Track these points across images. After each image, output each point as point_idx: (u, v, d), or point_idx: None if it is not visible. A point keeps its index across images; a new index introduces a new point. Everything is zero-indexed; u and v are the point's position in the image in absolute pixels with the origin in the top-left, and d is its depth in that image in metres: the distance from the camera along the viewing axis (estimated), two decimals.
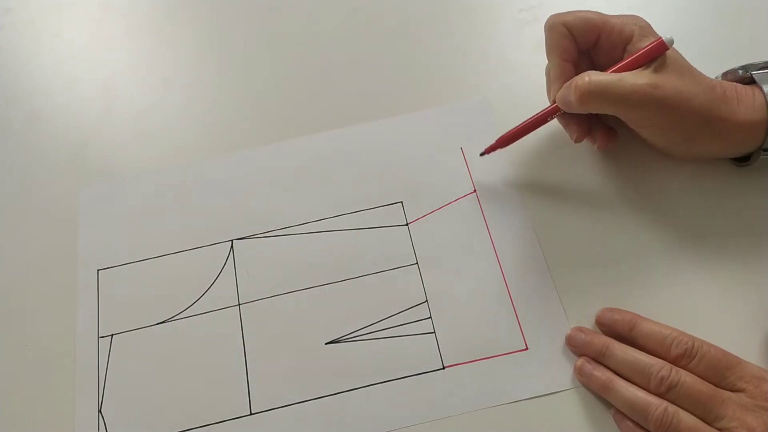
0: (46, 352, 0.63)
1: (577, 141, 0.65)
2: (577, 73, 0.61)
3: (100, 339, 0.63)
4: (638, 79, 0.58)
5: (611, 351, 0.57)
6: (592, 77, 0.59)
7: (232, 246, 0.66)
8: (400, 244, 0.65)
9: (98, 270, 0.66)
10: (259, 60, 0.78)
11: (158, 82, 0.77)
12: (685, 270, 0.62)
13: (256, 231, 0.67)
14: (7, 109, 0.77)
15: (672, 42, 0.59)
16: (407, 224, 0.66)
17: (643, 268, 0.63)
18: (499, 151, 0.66)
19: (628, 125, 0.63)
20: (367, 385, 0.60)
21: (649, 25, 0.61)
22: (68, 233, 0.68)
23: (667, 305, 0.60)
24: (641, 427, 0.54)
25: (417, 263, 0.65)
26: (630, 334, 0.58)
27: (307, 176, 0.70)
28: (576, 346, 0.59)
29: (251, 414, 0.59)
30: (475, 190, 0.67)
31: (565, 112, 0.63)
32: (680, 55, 0.60)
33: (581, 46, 0.63)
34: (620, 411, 0.56)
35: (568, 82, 0.61)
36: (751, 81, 0.61)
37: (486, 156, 0.66)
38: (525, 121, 0.64)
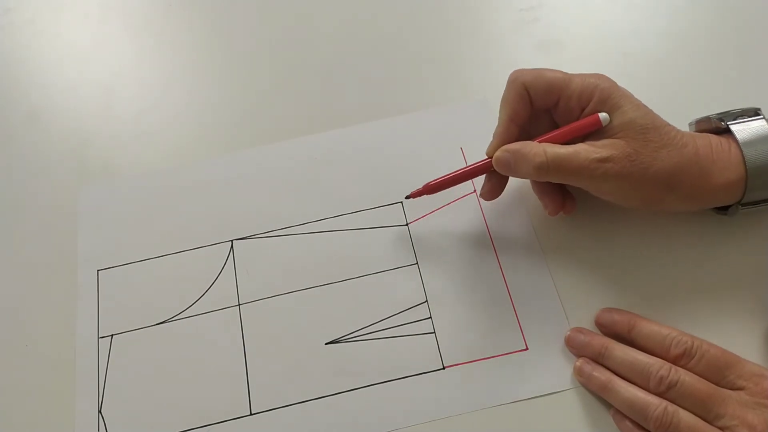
0: (46, 352, 0.63)
1: (551, 213, 0.63)
2: (520, 136, 0.61)
3: (100, 339, 0.63)
4: (592, 153, 0.57)
5: (610, 351, 0.57)
6: (547, 150, 0.57)
7: (232, 246, 0.67)
8: (400, 244, 0.66)
9: (98, 270, 0.66)
10: (259, 60, 0.78)
11: (158, 82, 0.78)
12: (684, 270, 0.62)
13: (256, 231, 0.67)
14: (7, 109, 0.77)
15: (607, 120, 0.58)
16: (407, 224, 0.66)
17: (642, 268, 0.63)
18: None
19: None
20: (367, 386, 0.60)
21: (613, 86, 0.59)
22: (68, 233, 0.68)
23: (666, 305, 0.60)
24: (641, 427, 0.54)
25: (417, 263, 0.65)
26: (629, 335, 0.58)
27: (307, 176, 0.70)
28: (575, 347, 0.59)
29: (251, 414, 0.59)
30: (475, 191, 0.67)
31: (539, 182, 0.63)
32: (649, 115, 0.58)
33: (540, 105, 0.61)
34: (620, 411, 0.56)
35: (513, 149, 0.59)
36: (725, 131, 0.60)
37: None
38: (455, 172, 0.63)
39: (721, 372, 0.54)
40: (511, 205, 0.66)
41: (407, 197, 0.64)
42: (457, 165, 0.65)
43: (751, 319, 0.60)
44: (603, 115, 0.58)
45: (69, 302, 0.65)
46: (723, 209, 0.62)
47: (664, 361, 0.55)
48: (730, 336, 0.57)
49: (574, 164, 0.57)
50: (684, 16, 0.74)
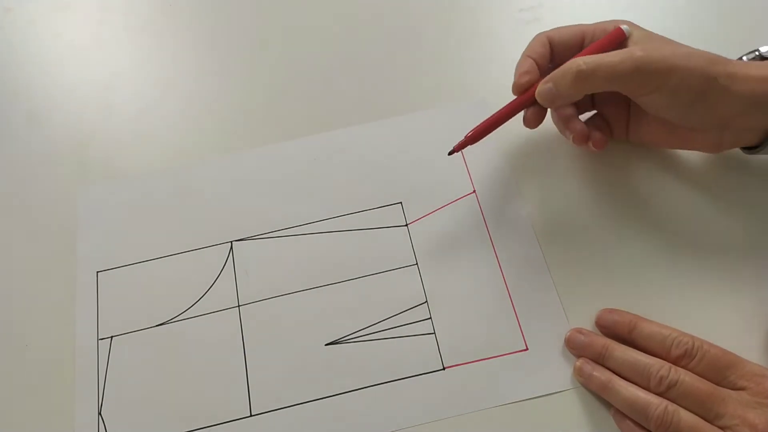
0: (45, 354, 0.63)
1: (577, 142, 0.64)
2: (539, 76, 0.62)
3: (99, 341, 0.63)
4: (631, 50, 0.57)
5: (611, 352, 0.57)
6: (584, 58, 0.57)
7: (231, 247, 0.66)
8: (399, 245, 0.66)
9: (97, 272, 0.66)
10: (259, 61, 0.78)
11: (158, 82, 0.77)
12: (685, 270, 0.62)
13: (256, 232, 0.67)
14: (7, 109, 0.77)
15: (629, 31, 0.60)
16: (407, 225, 0.66)
17: (643, 268, 0.63)
18: (499, 151, 0.67)
19: (636, 100, 0.61)
20: (368, 386, 0.60)
21: (632, 23, 0.62)
22: (67, 235, 0.68)
23: (667, 305, 0.60)
24: (641, 427, 0.54)
25: (417, 264, 0.65)
26: (630, 336, 0.58)
27: (306, 177, 0.70)
28: (575, 348, 0.59)
29: (251, 415, 0.59)
30: (474, 191, 0.67)
31: (557, 115, 0.63)
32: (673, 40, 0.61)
33: (563, 53, 0.63)
34: (620, 411, 0.56)
35: (551, 74, 0.59)
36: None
37: (485, 157, 0.66)
38: (494, 115, 0.63)
39: (721, 372, 0.54)
40: (511, 206, 0.66)
41: (450, 153, 0.63)
42: (457, 165, 0.65)
43: (751, 319, 0.60)
44: (625, 27, 0.59)
45: (68, 304, 0.65)
46: (751, 149, 0.63)
47: (664, 362, 0.55)
48: (731, 336, 0.57)
49: (615, 59, 0.56)
50: (684, 17, 0.74)
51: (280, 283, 0.65)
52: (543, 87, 0.60)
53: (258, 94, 0.76)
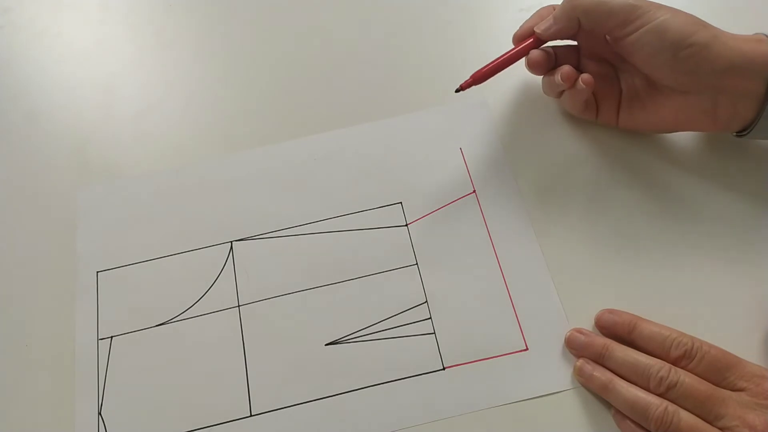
0: (45, 354, 0.63)
1: (567, 81, 0.64)
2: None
3: (99, 341, 0.63)
4: None
5: (611, 353, 0.57)
6: None
7: (231, 247, 0.67)
8: (399, 245, 0.66)
9: (98, 272, 0.66)
10: (258, 60, 0.78)
11: (158, 83, 0.77)
12: (685, 270, 0.62)
13: (256, 232, 0.67)
14: (6, 109, 0.77)
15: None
16: (407, 225, 0.66)
17: (643, 268, 0.63)
18: (499, 151, 0.67)
19: (624, 50, 0.62)
20: (368, 386, 0.60)
21: None
22: (67, 235, 0.68)
23: (666, 305, 0.60)
24: (641, 427, 0.54)
25: (417, 264, 0.65)
26: (630, 336, 0.58)
27: (306, 177, 0.70)
28: (575, 348, 0.59)
29: (251, 415, 0.59)
30: (474, 191, 0.67)
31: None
32: None
33: (595, 30, 0.63)
34: (620, 411, 0.56)
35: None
36: None
37: (485, 157, 0.66)
38: (502, 56, 0.65)
39: (721, 373, 0.54)
40: (511, 206, 0.66)
41: (457, 90, 0.64)
42: (457, 166, 0.65)
43: (751, 320, 0.60)
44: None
45: (68, 304, 0.65)
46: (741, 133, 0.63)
47: (664, 362, 0.55)
48: (730, 336, 0.57)
49: None
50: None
51: (280, 283, 0.65)
52: (545, 23, 0.64)
53: (258, 94, 0.75)
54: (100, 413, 0.60)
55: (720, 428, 0.52)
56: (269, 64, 0.78)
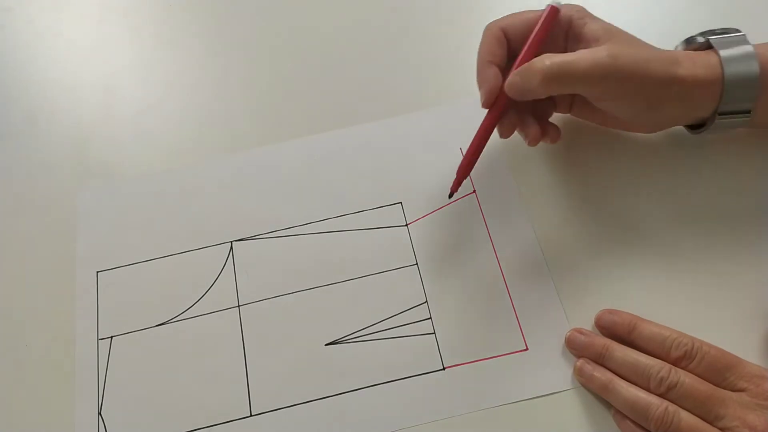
0: (45, 354, 0.63)
1: (531, 142, 0.63)
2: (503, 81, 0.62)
3: (99, 341, 0.63)
4: (596, 53, 0.57)
5: (611, 353, 0.57)
6: (552, 59, 0.57)
7: (231, 247, 0.67)
8: (399, 245, 0.66)
9: (97, 272, 0.66)
10: (258, 60, 0.78)
11: (158, 83, 0.77)
12: (685, 270, 0.62)
13: (256, 232, 0.67)
14: (6, 109, 0.77)
15: (560, 3, 0.61)
16: (407, 225, 0.66)
17: (643, 268, 0.63)
18: (499, 151, 0.67)
19: (593, 102, 0.62)
20: (368, 386, 0.60)
21: (583, 9, 0.62)
22: (67, 235, 0.68)
23: (666, 306, 0.60)
24: (642, 428, 0.54)
25: (417, 264, 0.65)
26: (630, 337, 0.58)
27: (306, 177, 0.70)
28: (576, 348, 0.59)
29: (251, 415, 0.59)
30: (474, 191, 0.67)
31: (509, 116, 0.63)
32: (628, 32, 0.61)
33: (519, 45, 0.63)
34: (620, 411, 0.56)
35: (522, 67, 0.59)
36: (708, 47, 0.61)
37: (485, 157, 0.66)
38: (473, 143, 0.63)
39: (721, 373, 0.54)
40: (510, 205, 0.66)
41: (451, 195, 0.64)
42: (457, 165, 0.65)
43: (751, 320, 0.60)
44: (555, 1, 0.61)
45: (68, 304, 0.65)
46: (698, 128, 0.64)
47: (665, 363, 0.55)
48: (730, 337, 0.57)
49: (583, 65, 0.57)
50: (685, 17, 0.74)
51: (280, 283, 0.65)
52: (513, 80, 0.60)
53: (258, 94, 0.76)
54: (100, 413, 0.60)
55: (720, 428, 0.52)
56: (269, 64, 0.78)
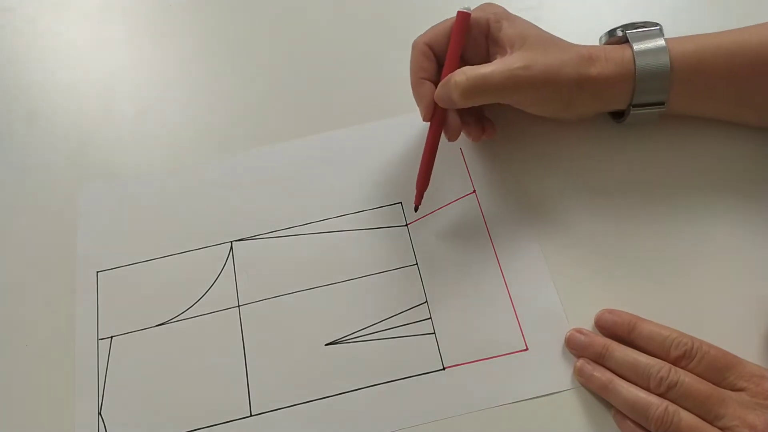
0: (45, 354, 0.63)
1: (474, 140, 0.67)
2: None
3: (99, 341, 0.63)
4: (510, 64, 0.60)
5: (611, 353, 0.57)
6: (467, 73, 0.60)
7: (231, 247, 0.67)
8: (399, 245, 0.66)
9: (97, 272, 0.66)
10: (258, 60, 0.78)
11: (158, 83, 0.77)
12: (685, 270, 0.62)
13: (256, 232, 0.67)
14: (6, 109, 0.77)
15: (469, 9, 0.63)
16: (407, 225, 0.66)
17: (642, 268, 0.63)
18: (499, 151, 0.67)
19: (515, 107, 0.64)
20: (368, 386, 0.60)
21: (503, 9, 0.65)
22: (67, 235, 0.68)
23: (666, 305, 0.60)
24: (642, 428, 0.54)
25: (417, 264, 0.64)
26: (629, 336, 0.58)
27: (306, 177, 0.70)
28: (575, 348, 0.59)
29: (251, 415, 0.59)
30: (474, 191, 0.67)
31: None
32: (544, 31, 0.64)
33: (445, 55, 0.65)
34: (620, 411, 0.56)
35: (444, 81, 0.62)
36: (626, 41, 0.63)
37: (485, 157, 0.66)
38: (424, 156, 0.65)
39: (721, 373, 0.54)
40: (510, 205, 0.66)
41: (416, 209, 0.66)
42: (457, 165, 0.65)
43: (751, 320, 0.60)
44: (465, 7, 0.63)
45: (68, 304, 0.65)
46: (619, 116, 0.67)
47: (664, 362, 0.55)
48: (730, 336, 0.57)
49: (497, 79, 0.60)
50: (685, 17, 0.74)
51: (280, 283, 0.65)
52: (438, 93, 0.63)
53: (258, 93, 0.76)
54: (100, 413, 0.60)
55: (720, 428, 0.52)
56: (269, 64, 0.78)
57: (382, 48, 0.72)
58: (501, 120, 0.68)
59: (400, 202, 0.67)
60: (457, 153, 0.69)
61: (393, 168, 0.69)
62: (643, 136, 0.68)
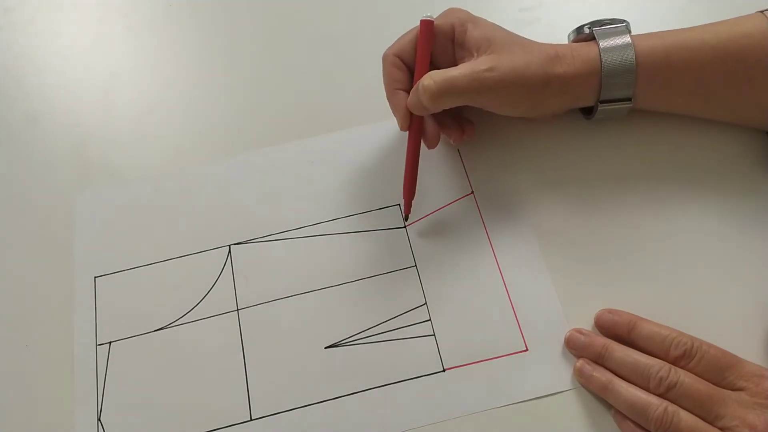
0: (44, 360, 0.63)
1: (456, 142, 0.68)
2: None
3: (98, 346, 0.63)
4: (475, 67, 0.60)
5: (610, 353, 0.57)
6: (434, 77, 0.60)
7: (229, 251, 0.67)
8: (398, 247, 0.65)
9: (95, 277, 0.66)
10: (258, 62, 0.78)
11: (158, 84, 0.77)
12: (685, 270, 0.62)
13: (254, 236, 0.67)
14: (5, 110, 0.77)
15: (432, 16, 0.64)
16: (405, 227, 0.66)
17: (642, 268, 0.62)
18: (498, 151, 0.67)
19: (484, 109, 0.65)
20: (368, 389, 0.60)
21: (467, 13, 0.65)
22: (65, 239, 0.68)
23: (666, 305, 0.60)
24: (641, 428, 0.54)
25: (416, 266, 0.64)
26: (629, 336, 0.58)
27: (304, 180, 0.70)
28: (575, 348, 0.59)
29: (251, 420, 0.60)
30: (473, 192, 0.67)
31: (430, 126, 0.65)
32: (509, 32, 0.64)
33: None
34: (620, 411, 0.56)
35: (413, 89, 0.63)
36: (593, 38, 0.64)
37: (483, 158, 0.66)
38: (406, 165, 0.65)
39: (721, 373, 0.54)
40: (509, 206, 0.66)
41: (407, 221, 0.66)
42: (455, 167, 0.65)
43: (751, 320, 0.59)
44: (426, 14, 0.64)
45: (66, 309, 0.65)
46: (587, 112, 0.68)
47: (664, 362, 0.55)
48: (730, 336, 0.57)
49: (464, 81, 0.60)
50: (684, 18, 0.73)
51: (279, 287, 0.65)
52: (410, 100, 0.63)
53: (257, 96, 0.75)
54: (99, 419, 0.60)
55: (720, 428, 0.52)
56: (268, 66, 0.77)
57: (380, 49, 0.71)
58: (498, 121, 0.68)
59: (399, 204, 0.67)
60: (455, 154, 0.69)
61: (391, 170, 0.69)
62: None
